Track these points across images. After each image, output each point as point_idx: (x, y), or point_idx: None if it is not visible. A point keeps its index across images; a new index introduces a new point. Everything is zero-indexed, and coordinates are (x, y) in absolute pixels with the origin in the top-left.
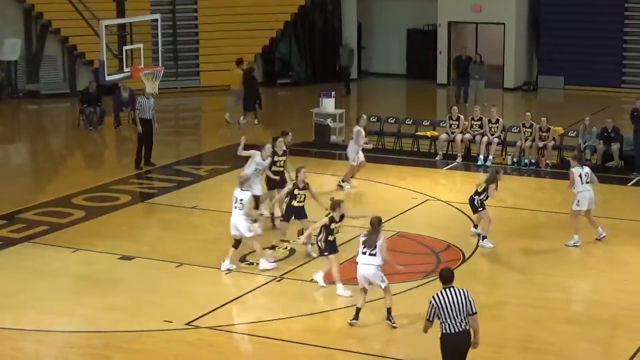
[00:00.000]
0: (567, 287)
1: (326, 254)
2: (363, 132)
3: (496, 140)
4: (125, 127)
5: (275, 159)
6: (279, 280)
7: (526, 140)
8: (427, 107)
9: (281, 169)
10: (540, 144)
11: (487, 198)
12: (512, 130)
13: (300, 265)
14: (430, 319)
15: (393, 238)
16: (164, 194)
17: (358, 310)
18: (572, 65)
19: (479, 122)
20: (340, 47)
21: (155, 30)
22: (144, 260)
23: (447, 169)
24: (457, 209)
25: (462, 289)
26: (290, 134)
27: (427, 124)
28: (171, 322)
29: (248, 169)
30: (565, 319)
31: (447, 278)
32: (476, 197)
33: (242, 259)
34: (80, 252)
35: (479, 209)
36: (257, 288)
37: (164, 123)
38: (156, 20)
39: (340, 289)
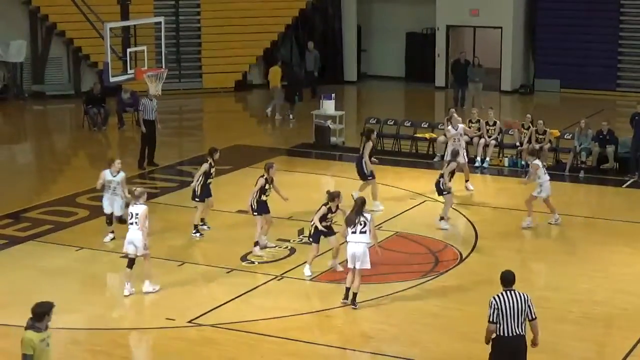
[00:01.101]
0: (562, 287)
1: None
2: (453, 131)
3: (493, 142)
4: (128, 128)
5: (211, 170)
6: (279, 279)
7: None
8: (425, 109)
9: (211, 180)
10: (537, 146)
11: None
12: (509, 132)
13: (300, 265)
14: (493, 320)
15: (392, 238)
16: (167, 193)
17: (348, 289)
18: (568, 68)
19: (476, 125)
20: (306, 52)
21: (158, 32)
22: None
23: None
24: (455, 209)
25: (523, 294)
26: (218, 151)
27: (426, 126)
28: (173, 319)
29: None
30: (561, 318)
31: (508, 280)
32: (441, 179)
33: (243, 258)
34: (84, 251)
35: (444, 193)
36: (257, 287)
37: (167, 124)
38: (160, 23)
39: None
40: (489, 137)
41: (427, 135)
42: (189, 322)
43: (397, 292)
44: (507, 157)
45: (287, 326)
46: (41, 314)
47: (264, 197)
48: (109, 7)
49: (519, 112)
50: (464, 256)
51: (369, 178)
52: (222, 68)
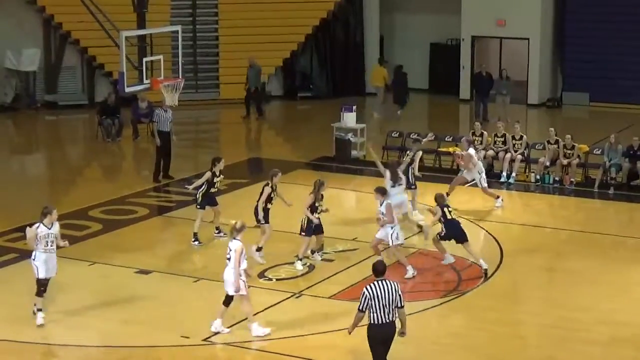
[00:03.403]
0: (590, 307)
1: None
2: (473, 155)
3: (519, 157)
4: (143, 139)
5: (215, 180)
6: (297, 297)
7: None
8: (449, 122)
9: (215, 189)
10: (565, 162)
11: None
12: (536, 147)
13: (319, 282)
14: (363, 309)
15: (414, 255)
16: (182, 207)
17: None
18: (597, 81)
19: (502, 139)
20: (248, 68)
21: (175, 41)
22: (161, 274)
23: (469, 185)
24: (479, 226)
25: (393, 282)
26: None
27: (450, 139)
28: (188, 337)
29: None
30: (588, 340)
31: (379, 271)
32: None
33: (261, 275)
34: (97, 266)
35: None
36: (275, 305)
37: (183, 135)
38: (176, 31)
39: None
40: (515, 151)
41: (450, 150)
42: (204, 340)
43: (418, 312)
44: (533, 172)
45: (305, 345)
46: None
47: (269, 206)
48: (125, 15)
49: (546, 126)
50: (488, 274)
51: (412, 187)
52: (240, 78)
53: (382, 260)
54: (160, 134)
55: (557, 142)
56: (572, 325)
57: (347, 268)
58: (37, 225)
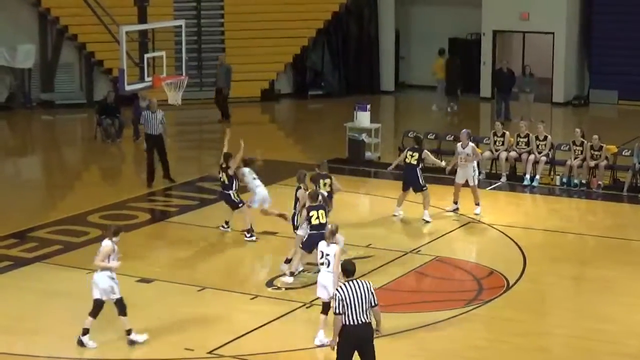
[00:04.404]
0: (619, 318)
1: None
2: (459, 150)
3: (544, 158)
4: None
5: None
6: (308, 307)
7: (576, 159)
8: (469, 122)
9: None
10: (592, 164)
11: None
12: (561, 148)
13: None
14: (340, 311)
15: (432, 263)
16: (186, 212)
17: None
18: (626, 78)
19: (525, 139)
20: (218, 66)
21: (178, 37)
22: (163, 283)
23: (491, 189)
24: (501, 232)
25: (365, 281)
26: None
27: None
28: (192, 350)
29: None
30: (616, 353)
31: (349, 271)
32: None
33: (269, 284)
34: None
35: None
36: (284, 315)
37: (186, 136)
38: (180, 26)
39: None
40: (539, 153)
41: None
42: (209, 352)
43: (435, 323)
44: (559, 175)
45: (315, 358)
46: None
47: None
48: (125, 9)
49: (572, 126)
50: (511, 284)
51: (423, 189)
52: (247, 76)
53: (352, 260)
54: (149, 138)
55: (582, 143)
56: (599, 337)
57: (361, 276)
58: (111, 245)
